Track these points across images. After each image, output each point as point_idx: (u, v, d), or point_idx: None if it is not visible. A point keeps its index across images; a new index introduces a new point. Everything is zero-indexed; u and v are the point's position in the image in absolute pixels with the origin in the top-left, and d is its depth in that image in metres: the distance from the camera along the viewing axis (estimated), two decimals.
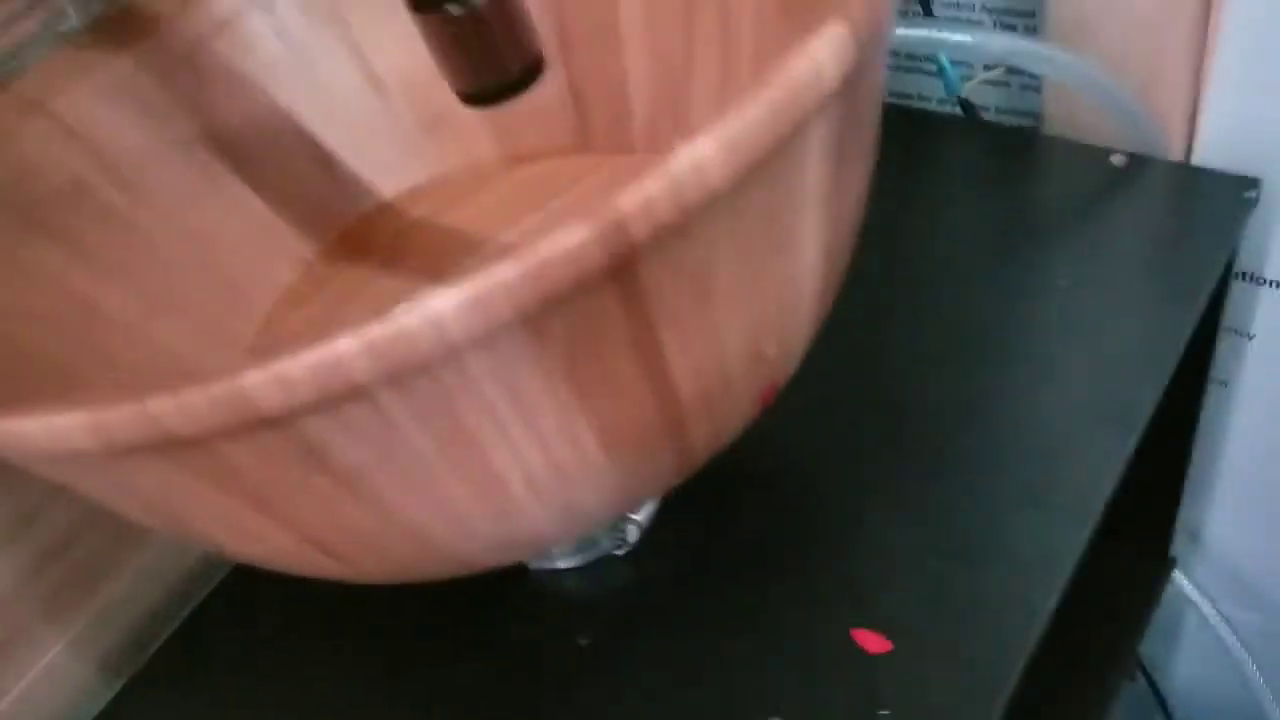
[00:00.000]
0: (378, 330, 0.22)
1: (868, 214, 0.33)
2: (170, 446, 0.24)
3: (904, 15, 0.58)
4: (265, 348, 0.45)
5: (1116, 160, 0.54)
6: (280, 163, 0.48)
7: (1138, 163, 0.54)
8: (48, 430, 0.24)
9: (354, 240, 0.49)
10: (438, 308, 0.22)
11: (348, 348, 0.22)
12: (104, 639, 0.47)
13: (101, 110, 0.43)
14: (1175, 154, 0.54)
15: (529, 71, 0.31)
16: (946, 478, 0.42)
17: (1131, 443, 0.43)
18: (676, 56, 0.46)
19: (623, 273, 0.24)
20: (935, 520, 0.41)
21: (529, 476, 0.28)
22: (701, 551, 0.43)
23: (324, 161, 0.49)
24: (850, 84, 0.26)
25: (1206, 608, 0.67)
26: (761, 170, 0.25)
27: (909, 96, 0.65)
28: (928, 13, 0.59)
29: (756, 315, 0.29)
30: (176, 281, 0.43)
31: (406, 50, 0.38)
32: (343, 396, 0.23)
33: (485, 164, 0.50)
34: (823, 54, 0.25)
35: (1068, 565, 0.39)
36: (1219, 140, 0.53)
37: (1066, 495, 0.41)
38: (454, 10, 0.28)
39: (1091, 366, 0.45)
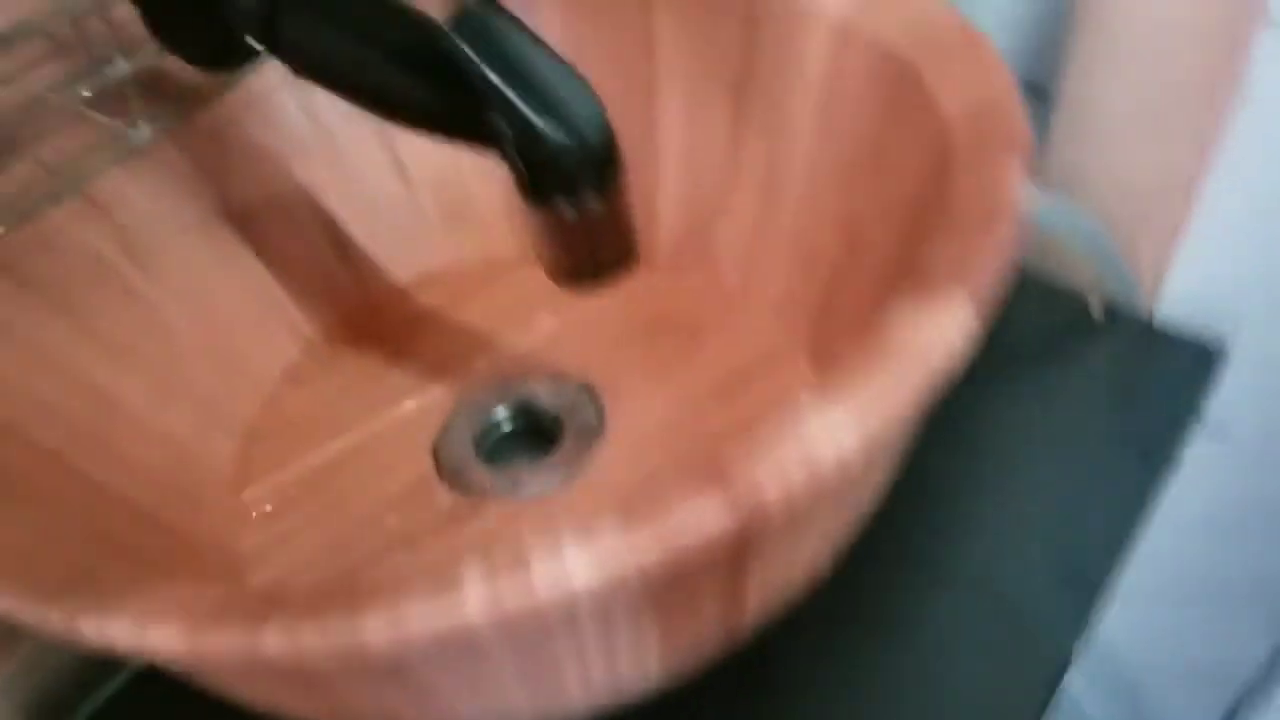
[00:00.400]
0: (510, 600, 0.22)
1: None
2: (262, 666, 0.24)
3: None
4: (265, 432, 0.44)
5: (1092, 308, 0.56)
6: (295, 239, 0.46)
7: (1111, 312, 0.55)
8: (137, 634, 0.23)
9: (361, 321, 0.48)
10: (574, 586, 0.22)
11: (477, 611, 0.22)
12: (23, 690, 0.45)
13: (129, 186, 0.41)
14: (1147, 309, 0.57)
15: (622, 267, 0.31)
16: (899, 637, 0.41)
17: (1094, 602, 0.43)
18: (713, 185, 0.46)
19: (745, 543, 0.24)
20: (889, 685, 0.40)
21: (587, 683, 0.28)
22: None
23: (338, 241, 0.48)
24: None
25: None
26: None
27: None
28: None
29: (831, 541, 0.30)
30: (184, 363, 0.42)
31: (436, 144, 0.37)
32: (452, 644, 0.23)
33: (502, 257, 0.49)
34: (954, 334, 0.25)
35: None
36: (1188, 296, 0.56)
37: (1029, 655, 0.41)
38: (567, 212, 0.28)
39: (1052, 523, 0.45)
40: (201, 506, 0.40)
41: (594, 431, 0.42)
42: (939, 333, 0.25)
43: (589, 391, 0.43)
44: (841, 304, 0.41)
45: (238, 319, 0.44)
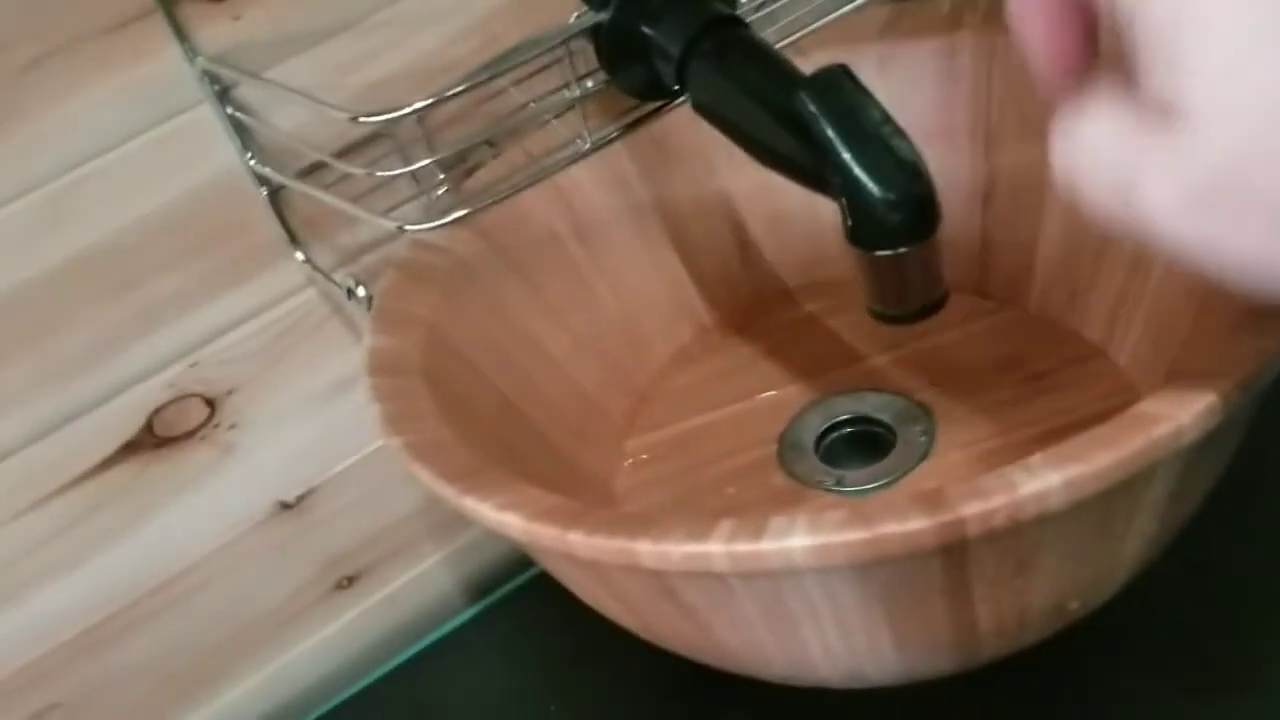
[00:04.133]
0: (742, 547, 0.28)
1: None
2: (571, 562, 0.32)
3: None
4: (653, 395, 0.53)
5: None
6: (708, 237, 0.55)
7: None
8: (496, 516, 0.33)
9: (749, 316, 0.55)
10: (790, 546, 0.28)
11: (717, 552, 0.29)
12: (470, 563, 0.58)
13: (585, 173, 0.51)
14: None
15: (930, 308, 0.35)
16: None
17: None
18: (1090, 239, 0.48)
19: (951, 553, 0.29)
20: None
21: (827, 648, 0.34)
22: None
23: (744, 243, 0.55)
24: (1210, 437, 0.29)
25: None
26: (1099, 500, 0.28)
27: None
28: None
29: (1068, 584, 0.33)
30: (602, 328, 0.52)
31: None
32: (702, 574, 0.30)
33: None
34: (1187, 417, 0.28)
35: None
36: None
37: None
38: (883, 259, 0.34)
39: None
40: (591, 444, 0.50)
41: (922, 449, 0.46)
42: (1170, 419, 0.27)
43: (927, 412, 0.47)
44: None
45: (651, 299, 0.54)
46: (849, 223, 0.34)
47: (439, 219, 0.40)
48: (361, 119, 0.38)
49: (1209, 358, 0.30)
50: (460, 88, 0.38)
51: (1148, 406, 0.28)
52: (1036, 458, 0.28)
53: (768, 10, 0.46)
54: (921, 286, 0.35)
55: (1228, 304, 0.38)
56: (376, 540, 0.56)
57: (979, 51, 0.50)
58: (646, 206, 0.53)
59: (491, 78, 0.39)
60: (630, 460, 0.50)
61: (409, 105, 0.38)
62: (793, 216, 0.55)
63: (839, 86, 0.33)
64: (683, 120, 0.53)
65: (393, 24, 0.48)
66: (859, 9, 0.46)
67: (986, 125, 0.50)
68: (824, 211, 0.55)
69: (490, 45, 0.49)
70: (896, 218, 0.33)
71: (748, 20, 0.43)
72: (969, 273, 0.53)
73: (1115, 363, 0.47)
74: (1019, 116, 0.49)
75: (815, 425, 0.49)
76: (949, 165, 0.51)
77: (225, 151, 0.45)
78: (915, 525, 0.27)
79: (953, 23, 0.50)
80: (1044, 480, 0.27)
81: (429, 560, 0.59)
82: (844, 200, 0.34)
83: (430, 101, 0.37)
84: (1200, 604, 0.44)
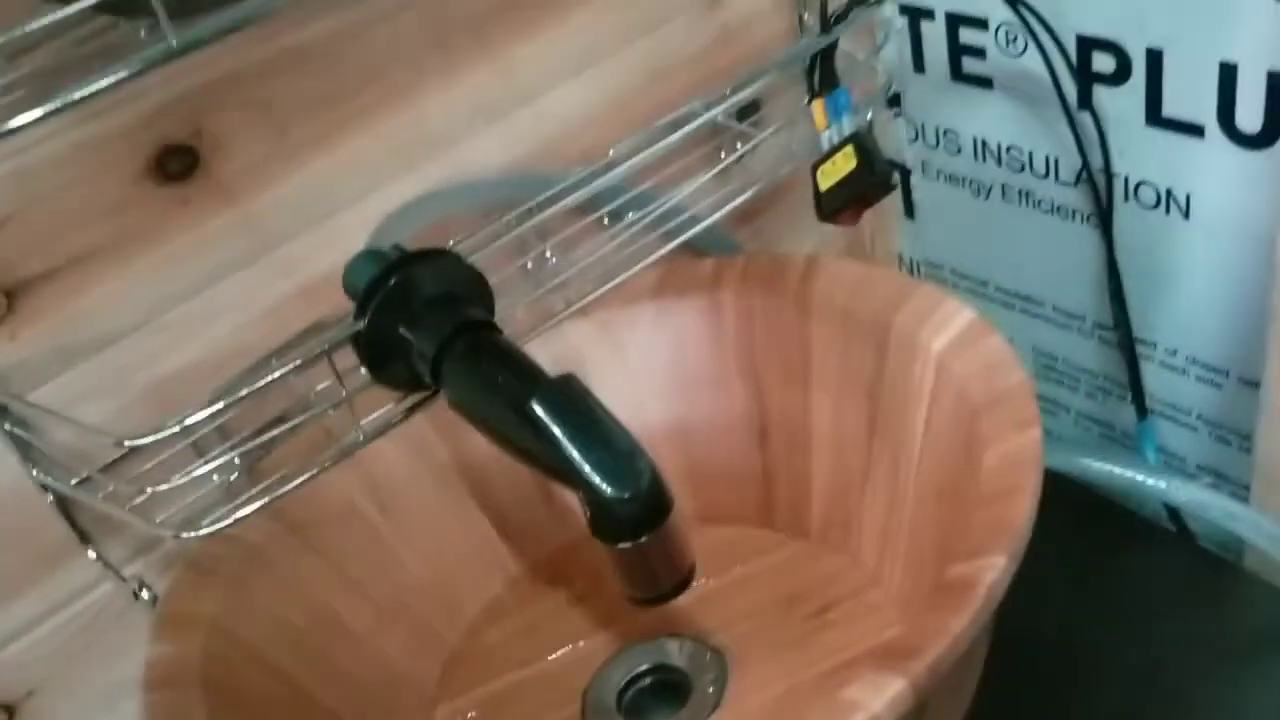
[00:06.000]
0: None
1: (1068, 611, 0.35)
2: None
3: (1104, 449, 0.61)
4: (463, 657, 0.53)
5: None
6: (512, 488, 0.56)
7: None
8: None
9: (557, 562, 0.57)
10: None
11: None
12: None
13: (383, 444, 0.52)
14: None
15: (680, 585, 0.37)
16: None
17: None
18: (855, 471, 0.52)
19: None
20: None
21: None
22: None
23: (546, 490, 0.57)
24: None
25: None
26: None
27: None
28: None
29: None
30: (409, 595, 0.52)
31: None
32: None
33: (681, 516, 0.57)
34: (879, 706, 0.30)
35: None
36: None
37: None
38: (626, 549, 0.36)
39: None
40: (399, 718, 0.50)
41: (713, 700, 0.47)
42: (863, 695, 0.29)
43: (720, 658, 0.49)
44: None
45: (457, 556, 0.55)
46: (589, 518, 0.36)
47: (230, 503, 0.41)
48: (126, 442, 0.39)
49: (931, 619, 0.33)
50: (220, 405, 0.40)
51: (850, 693, 0.30)
52: None
53: (558, 280, 0.49)
54: (667, 568, 0.37)
55: (961, 547, 0.41)
56: None
57: (740, 307, 0.54)
58: (448, 465, 0.55)
59: (259, 386, 0.41)
60: None
61: (174, 423, 0.39)
62: None
63: (567, 392, 0.36)
64: None
65: (181, 321, 0.49)
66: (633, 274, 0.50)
67: (754, 371, 0.54)
68: None
69: (279, 332, 0.51)
70: (629, 511, 0.35)
71: (534, 295, 0.47)
72: (756, 507, 0.56)
73: (888, 592, 0.49)
74: (781, 363, 0.53)
75: (616, 680, 0.50)
76: (725, 407, 0.55)
77: (8, 462, 0.46)
78: None
79: (715, 281, 0.54)
80: None
81: None
82: (582, 497, 0.36)
83: (201, 416, 0.39)
84: None
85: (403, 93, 0.51)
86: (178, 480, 0.42)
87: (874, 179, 0.47)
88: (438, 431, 0.55)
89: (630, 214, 0.52)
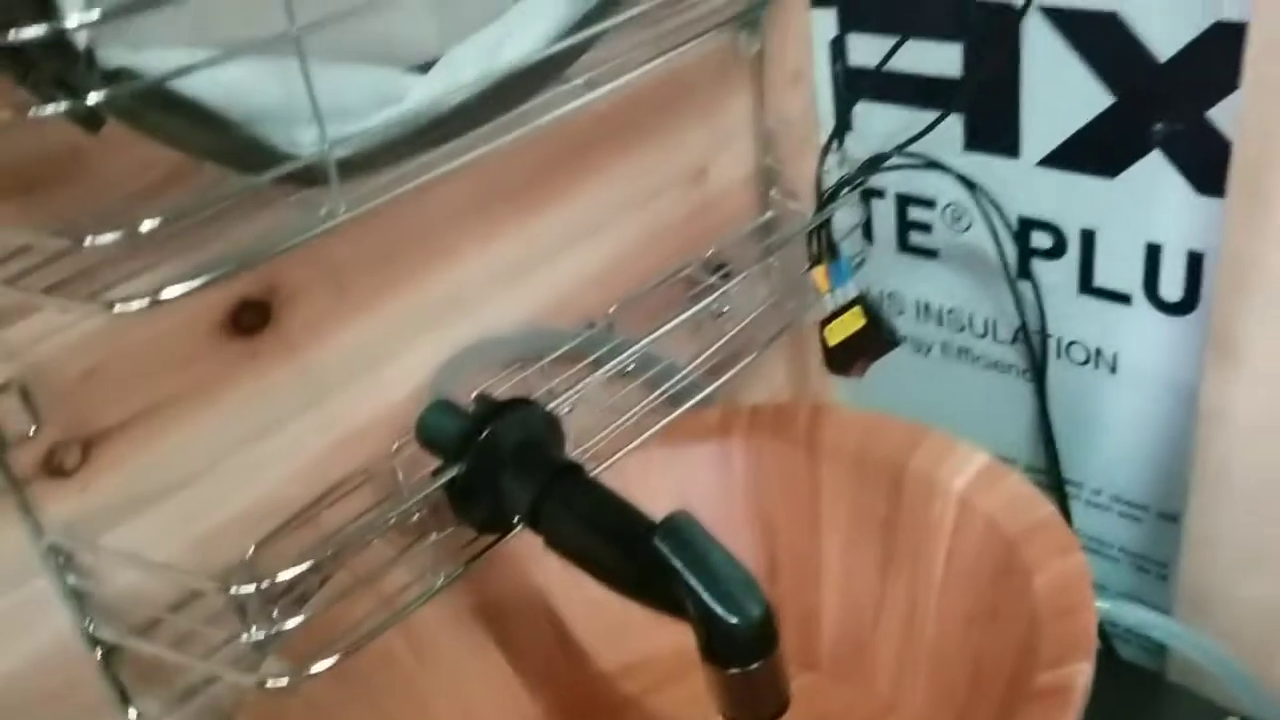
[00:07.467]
0: None
1: None
2: None
3: None
4: None
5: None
6: (530, 633, 0.58)
7: None
8: None
9: (573, 703, 0.58)
10: None
11: None
12: None
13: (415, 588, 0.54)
14: None
15: (779, 711, 0.41)
16: None
17: None
18: (867, 606, 0.56)
19: None
20: None
21: None
22: None
23: (562, 634, 0.59)
24: None
25: None
26: None
27: None
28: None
29: None
30: None
31: None
32: None
33: (689, 652, 0.60)
34: None
35: None
36: None
37: None
38: (735, 674, 0.39)
39: None
40: None
41: None
42: None
43: None
44: None
45: (482, 701, 0.56)
46: (705, 644, 0.39)
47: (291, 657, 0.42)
48: (234, 589, 0.40)
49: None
50: (326, 553, 0.41)
51: None
52: None
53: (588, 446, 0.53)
54: (771, 694, 0.40)
55: (999, 671, 0.46)
56: None
57: (748, 454, 0.59)
58: (472, 610, 0.57)
59: (346, 537, 0.43)
60: None
61: (287, 571, 0.40)
62: (604, 602, 0.60)
63: (687, 530, 0.39)
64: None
65: (235, 472, 0.50)
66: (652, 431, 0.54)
67: (762, 514, 0.58)
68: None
69: (318, 483, 0.53)
70: (745, 638, 0.39)
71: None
72: None
73: (904, 716, 0.53)
74: (790, 505, 0.58)
75: None
76: (735, 548, 0.59)
77: (58, 619, 0.45)
78: None
79: (724, 429, 0.59)
80: None
81: None
82: (699, 625, 0.39)
83: (307, 566, 0.40)
84: None
85: (446, 253, 0.55)
86: (259, 634, 0.43)
87: (882, 335, 0.53)
88: (464, 576, 0.57)
89: (646, 372, 0.56)
